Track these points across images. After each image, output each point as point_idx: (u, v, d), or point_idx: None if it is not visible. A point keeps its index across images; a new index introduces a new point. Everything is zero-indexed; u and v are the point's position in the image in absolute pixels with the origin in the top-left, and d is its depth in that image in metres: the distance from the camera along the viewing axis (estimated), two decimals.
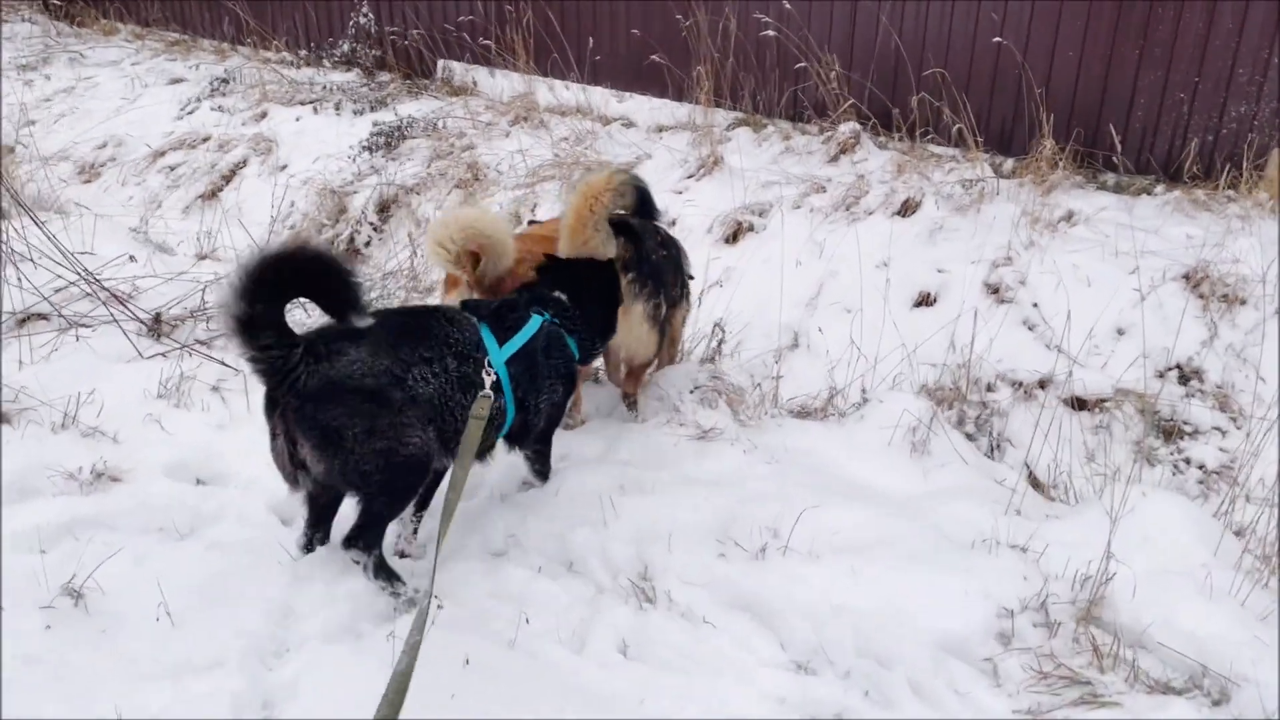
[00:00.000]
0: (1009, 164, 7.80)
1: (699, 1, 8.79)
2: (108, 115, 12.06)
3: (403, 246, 8.15)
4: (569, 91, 10.10)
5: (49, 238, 5.75)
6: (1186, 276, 6.14)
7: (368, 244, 9.03)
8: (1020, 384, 5.83)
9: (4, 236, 5.89)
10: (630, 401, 5.31)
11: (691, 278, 5.53)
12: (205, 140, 11.00)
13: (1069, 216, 6.87)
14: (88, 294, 5.75)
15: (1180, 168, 7.26)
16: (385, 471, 3.68)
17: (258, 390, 3.72)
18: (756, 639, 3.72)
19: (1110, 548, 3.86)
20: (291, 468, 3.73)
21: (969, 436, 5.56)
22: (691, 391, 5.30)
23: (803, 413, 5.43)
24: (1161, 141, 7.39)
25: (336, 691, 3.34)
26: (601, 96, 9.96)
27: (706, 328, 6.06)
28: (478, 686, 3.37)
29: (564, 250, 4.81)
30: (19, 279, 5.66)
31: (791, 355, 6.36)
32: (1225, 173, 7.06)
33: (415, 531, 4.30)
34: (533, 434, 4.44)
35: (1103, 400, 5.68)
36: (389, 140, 9.98)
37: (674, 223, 7.58)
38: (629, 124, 9.57)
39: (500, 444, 4.34)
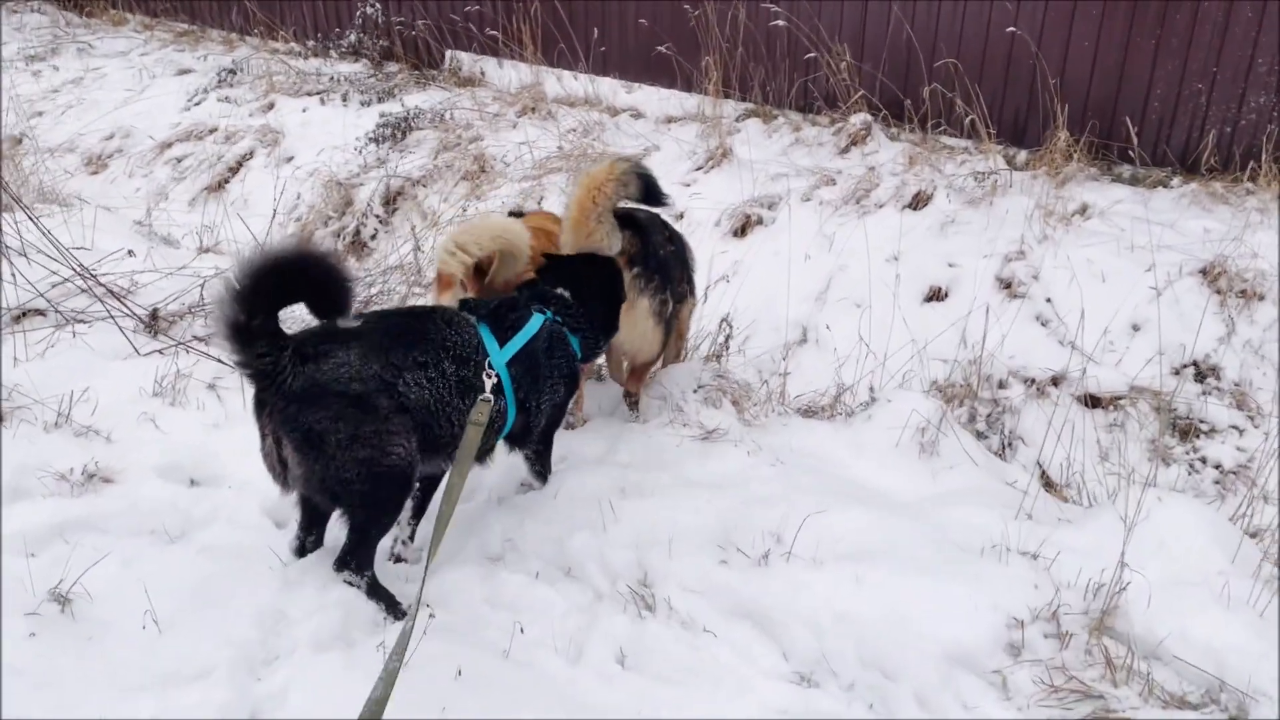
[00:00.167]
0: (1022, 156, 7.67)
1: None
2: (115, 106, 11.99)
3: (404, 240, 8.05)
4: (577, 82, 9.99)
5: (44, 233, 5.66)
6: (1204, 271, 6.00)
7: (373, 237, 8.93)
8: (1033, 381, 5.72)
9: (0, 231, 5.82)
10: (632, 401, 5.20)
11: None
12: (212, 132, 10.92)
13: (1083, 210, 6.74)
14: (83, 290, 5.66)
15: (1197, 160, 7.12)
16: (366, 482, 3.57)
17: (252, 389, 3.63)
18: (758, 649, 3.62)
19: (1124, 556, 3.73)
20: (281, 469, 3.64)
21: (980, 434, 5.45)
22: (695, 391, 5.19)
23: (810, 412, 5.33)
24: (1178, 133, 7.25)
25: (325, 703, 3.25)
26: (610, 87, 9.85)
27: (712, 324, 5.95)
28: (470, 699, 3.27)
29: (568, 245, 4.72)
30: (13, 275, 5.57)
31: (800, 351, 6.26)
32: (1244, 165, 6.92)
33: (411, 536, 4.21)
34: (534, 435, 4.35)
35: (1117, 398, 5.56)
36: (395, 132, 9.87)
37: (681, 215, 7.47)
38: (637, 115, 9.46)
39: (500, 445, 4.26)
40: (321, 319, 3.56)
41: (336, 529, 3.89)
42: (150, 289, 6.14)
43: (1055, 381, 5.70)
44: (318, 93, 11.12)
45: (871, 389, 5.43)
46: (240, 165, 10.34)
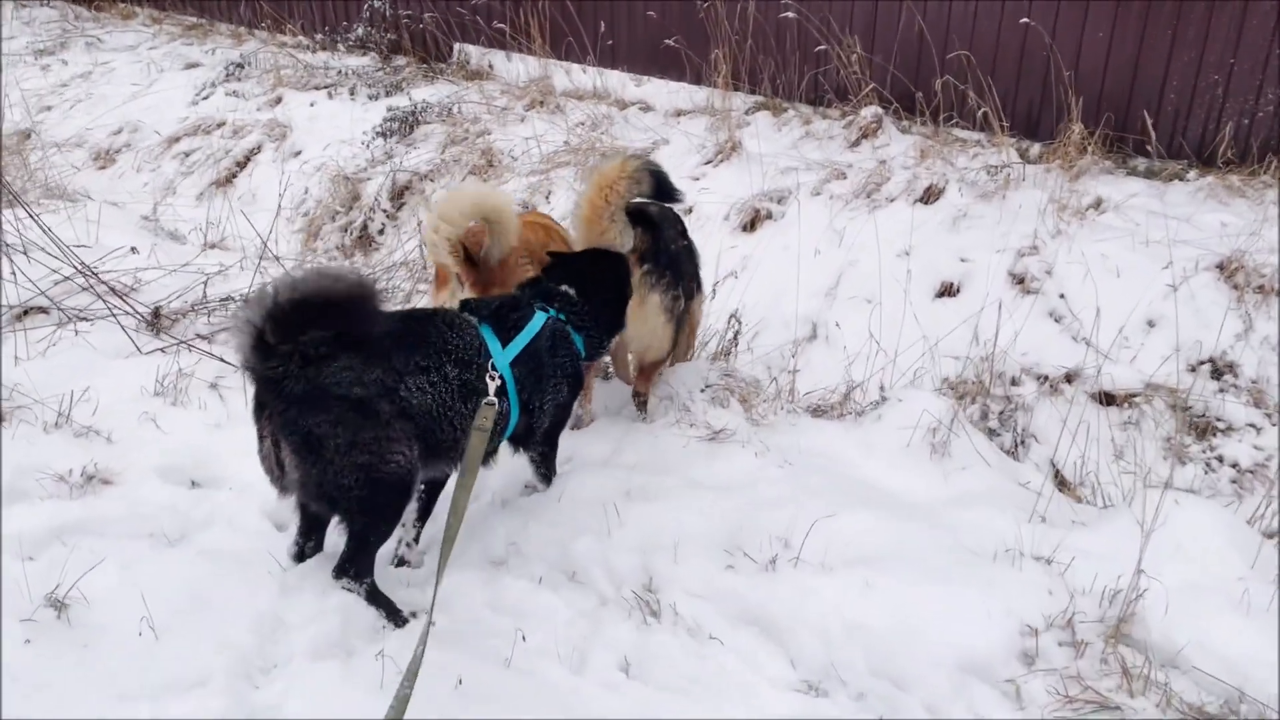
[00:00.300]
0: (1035, 149, 7.56)
1: None
2: (123, 101, 11.96)
3: (410, 236, 7.99)
4: (585, 75, 9.90)
5: (45, 230, 5.61)
6: (1220, 266, 5.89)
7: (381, 231, 8.88)
8: (1046, 378, 5.62)
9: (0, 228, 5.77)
10: (641, 401, 5.12)
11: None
12: (220, 126, 10.88)
13: (1098, 204, 6.63)
14: (84, 288, 5.60)
15: (1214, 153, 7.00)
16: (365, 488, 3.50)
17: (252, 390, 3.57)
18: (765, 657, 3.54)
19: (1142, 563, 3.65)
20: (279, 472, 3.57)
21: (992, 432, 5.36)
22: (702, 390, 5.12)
23: (819, 411, 5.24)
24: (1194, 125, 7.14)
25: (323, 714, 3.19)
26: (619, 80, 9.76)
27: (720, 321, 5.87)
28: (471, 710, 3.21)
29: (580, 243, 4.67)
30: (13, 273, 5.52)
31: (809, 347, 6.18)
32: (1262, 158, 6.81)
33: (416, 539, 4.15)
34: (538, 436, 4.29)
35: (1132, 395, 5.46)
36: (403, 126, 9.81)
37: (690, 209, 7.39)
38: (646, 108, 9.37)
39: (505, 446, 4.19)
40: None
41: (336, 534, 3.82)
42: (154, 286, 6.09)
43: (1069, 379, 5.60)
44: (325, 86, 11.07)
45: (882, 387, 5.34)
46: (248, 160, 10.30)
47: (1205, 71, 6.99)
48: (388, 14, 11.46)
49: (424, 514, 4.16)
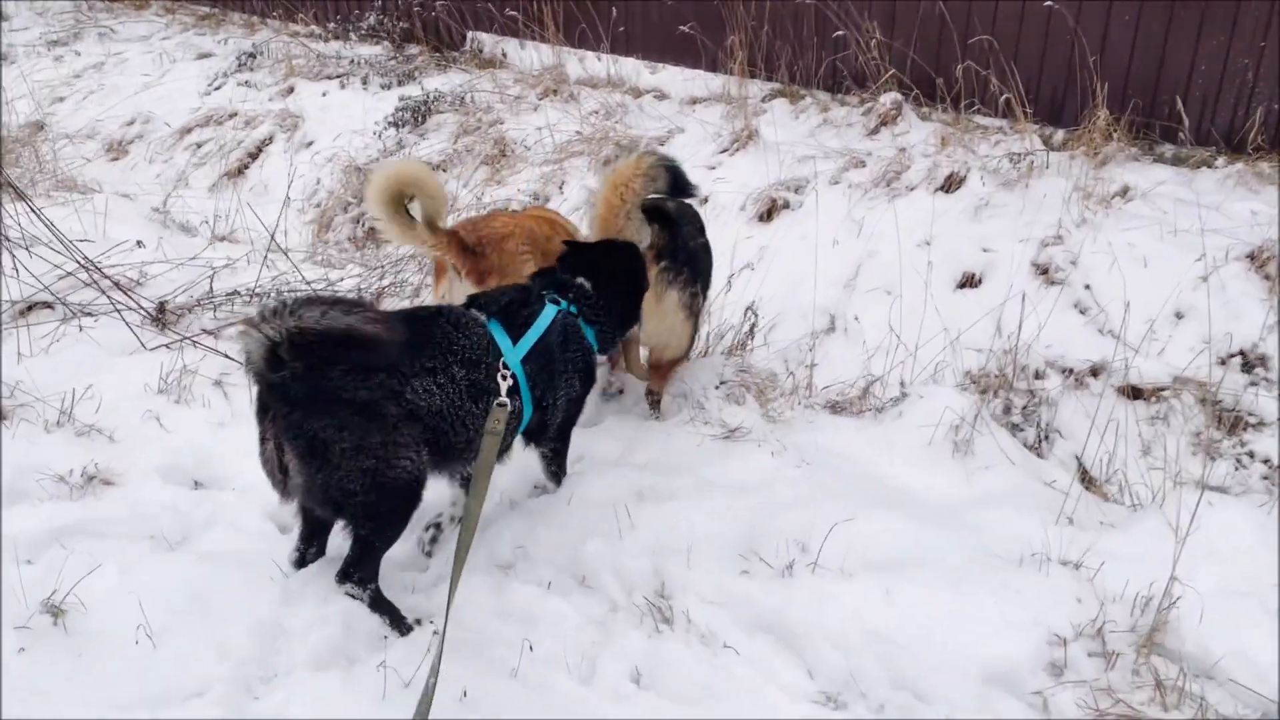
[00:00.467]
0: (1059, 135, 7.39)
1: None
2: (136, 91, 11.93)
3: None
4: (599, 63, 9.78)
5: (47, 225, 5.51)
6: (1251, 256, 5.73)
7: None
8: (1071, 371, 5.47)
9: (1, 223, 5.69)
10: (654, 400, 5.01)
11: None
12: (232, 116, 10.82)
13: (1124, 191, 6.47)
14: (87, 284, 5.51)
15: (1244, 139, 6.82)
16: (370, 493, 3.41)
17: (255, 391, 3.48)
18: (781, 666, 3.43)
19: (1175, 570, 3.50)
20: (281, 475, 3.49)
21: (1015, 427, 5.22)
22: (717, 387, 5.01)
23: (837, 407, 5.12)
24: (1223, 111, 6.96)
25: None
26: (633, 68, 9.64)
27: (736, 314, 5.75)
28: None
29: (595, 234, 4.59)
30: (15, 268, 5.44)
31: (827, 340, 6.04)
32: None
33: (441, 526, 4.07)
34: (550, 431, 4.19)
35: (1160, 389, 5.31)
36: (415, 116, 9.72)
37: (706, 200, 7.26)
38: (661, 96, 9.25)
39: (517, 440, 4.10)
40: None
41: (340, 538, 3.72)
42: (160, 280, 6.01)
43: (1095, 372, 5.45)
44: (337, 76, 11.00)
45: (902, 383, 5.21)
46: (260, 150, 10.24)
47: (1234, 56, 6.81)
48: (400, 2, 11.38)
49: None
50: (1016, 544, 3.85)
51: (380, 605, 3.60)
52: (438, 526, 4.12)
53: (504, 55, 10.69)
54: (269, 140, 10.29)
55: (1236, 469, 5.01)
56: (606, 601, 3.72)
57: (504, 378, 3.70)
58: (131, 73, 12.53)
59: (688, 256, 4.77)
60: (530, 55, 10.31)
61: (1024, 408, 5.34)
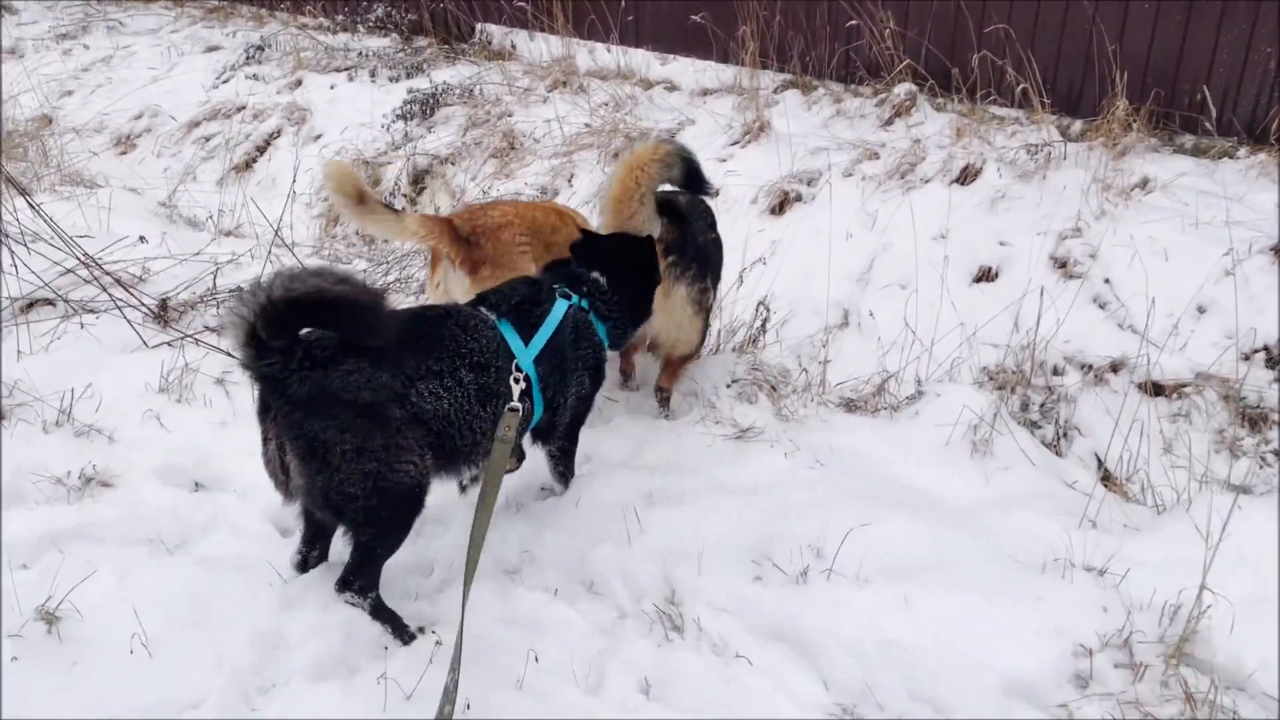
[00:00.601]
0: (1077, 126, 7.26)
1: None
2: (144, 84, 11.89)
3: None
4: (609, 54, 9.69)
5: (46, 220, 5.42)
6: (1275, 249, 5.60)
7: None
8: (1090, 367, 5.36)
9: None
10: (664, 397, 4.91)
11: None
12: (240, 110, 10.78)
13: (1144, 183, 6.35)
14: (87, 281, 5.43)
15: (1266, 129, 6.68)
16: (371, 497, 3.31)
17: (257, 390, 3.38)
18: (795, 676, 3.31)
19: (1206, 579, 3.37)
20: (283, 476, 3.40)
21: (1033, 424, 5.13)
22: (729, 385, 4.90)
23: (851, 405, 5.01)
24: (1245, 100, 6.81)
25: None
26: (643, 59, 9.55)
27: (748, 310, 5.64)
28: None
29: (606, 225, 4.50)
30: (14, 265, 5.35)
31: (841, 335, 5.94)
32: None
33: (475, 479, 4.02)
34: (560, 430, 4.09)
35: (1182, 385, 5.19)
36: (423, 108, 9.64)
37: (717, 193, 7.15)
38: (672, 87, 9.15)
39: (524, 440, 4.05)
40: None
41: (339, 541, 3.63)
42: (163, 276, 5.93)
43: (1115, 368, 5.35)
44: (345, 69, 10.95)
45: (919, 381, 5.09)
46: (267, 144, 10.19)
47: (1257, 44, 6.67)
48: None
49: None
50: (1038, 548, 3.73)
51: (381, 614, 3.50)
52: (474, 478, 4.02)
53: (513, 47, 10.61)
54: (277, 134, 10.24)
55: (1261, 467, 4.89)
56: (615, 608, 3.62)
57: (516, 381, 3.61)
58: (139, 66, 12.53)
59: (697, 252, 4.70)
60: (539, 47, 10.24)
61: (1042, 404, 5.25)
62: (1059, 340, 5.41)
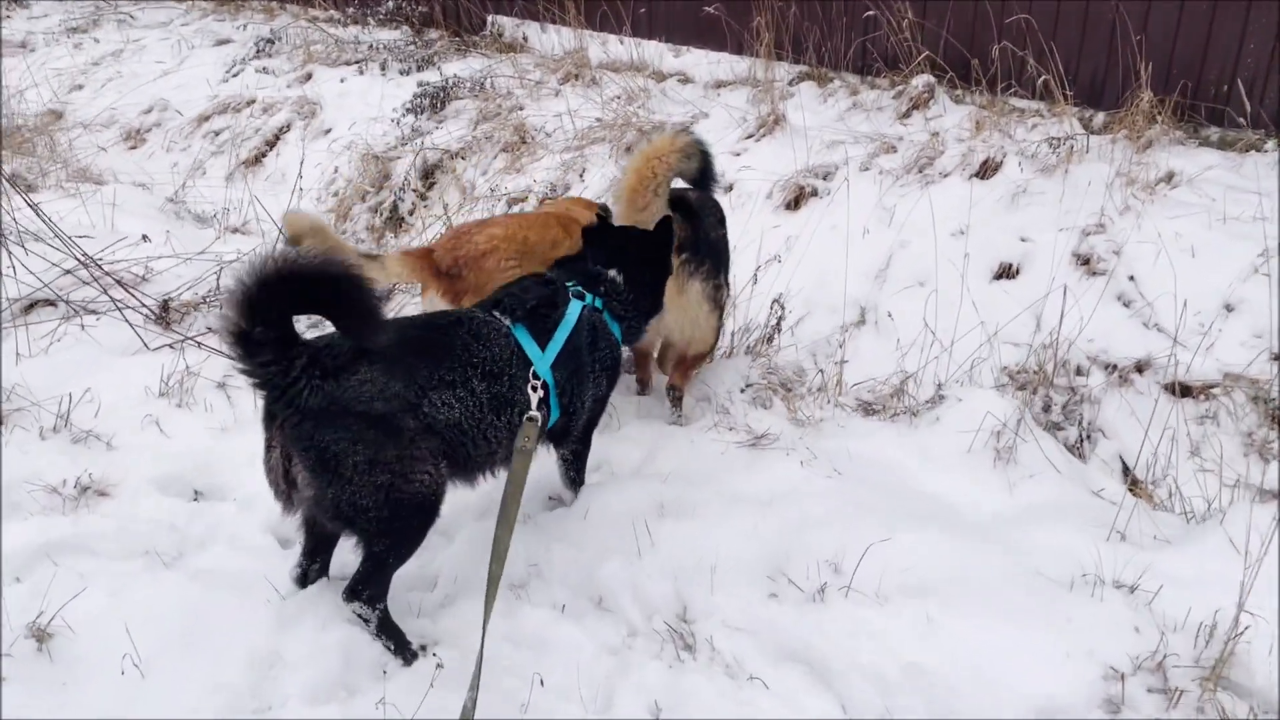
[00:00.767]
0: (1100, 118, 7.12)
1: None
2: (154, 78, 11.83)
3: (437, 219, 7.67)
4: (622, 46, 9.58)
5: (45, 220, 5.31)
6: None
7: (411, 212, 8.58)
8: (1114, 367, 5.22)
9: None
10: (676, 397, 4.78)
11: None
12: (250, 104, 10.68)
13: (1169, 177, 6.20)
14: (86, 282, 5.32)
15: None
16: (384, 509, 3.21)
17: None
18: (811, 700, 3.18)
19: (1243, 598, 3.22)
20: (285, 486, 3.29)
21: (1055, 426, 4.99)
22: (743, 390, 4.76)
23: (869, 408, 4.87)
24: (1273, 91, 6.65)
25: None
26: (656, 51, 9.45)
27: (761, 311, 5.51)
28: None
29: (621, 215, 4.45)
30: (12, 266, 5.25)
31: (858, 334, 5.83)
32: None
33: None
34: (575, 433, 3.99)
35: (1209, 386, 5.05)
36: (433, 102, 9.52)
37: (731, 188, 7.04)
38: (685, 80, 9.04)
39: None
40: (350, 338, 3.20)
41: (342, 556, 3.52)
42: (166, 276, 5.82)
43: (1140, 368, 5.21)
44: (356, 62, 10.86)
45: (939, 384, 4.95)
46: (277, 138, 10.11)
47: None
48: None
49: None
50: (1066, 564, 3.57)
51: (387, 628, 3.40)
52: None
53: (525, 39, 10.52)
54: (286, 128, 10.15)
55: None
56: (624, 626, 3.49)
57: (534, 388, 3.51)
58: (150, 60, 12.45)
59: (710, 248, 4.63)
60: (551, 39, 10.16)
61: (1065, 405, 5.12)
62: (1082, 339, 5.28)
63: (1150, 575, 3.48)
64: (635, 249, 4.13)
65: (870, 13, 7.93)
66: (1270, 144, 6.54)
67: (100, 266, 5.28)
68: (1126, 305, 5.50)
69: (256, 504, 4.01)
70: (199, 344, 5.06)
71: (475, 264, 4.42)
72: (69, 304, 5.31)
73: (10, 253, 5.29)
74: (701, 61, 9.12)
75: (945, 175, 6.65)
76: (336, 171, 9.23)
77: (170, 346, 5.09)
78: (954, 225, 6.18)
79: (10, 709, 3.06)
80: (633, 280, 4.06)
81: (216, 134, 10.38)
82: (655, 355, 5.06)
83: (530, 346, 3.58)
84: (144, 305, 5.29)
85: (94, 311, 5.30)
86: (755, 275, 6.04)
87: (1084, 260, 5.77)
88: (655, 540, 3.74)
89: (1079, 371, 5.26)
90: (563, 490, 4.18)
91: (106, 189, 7.32)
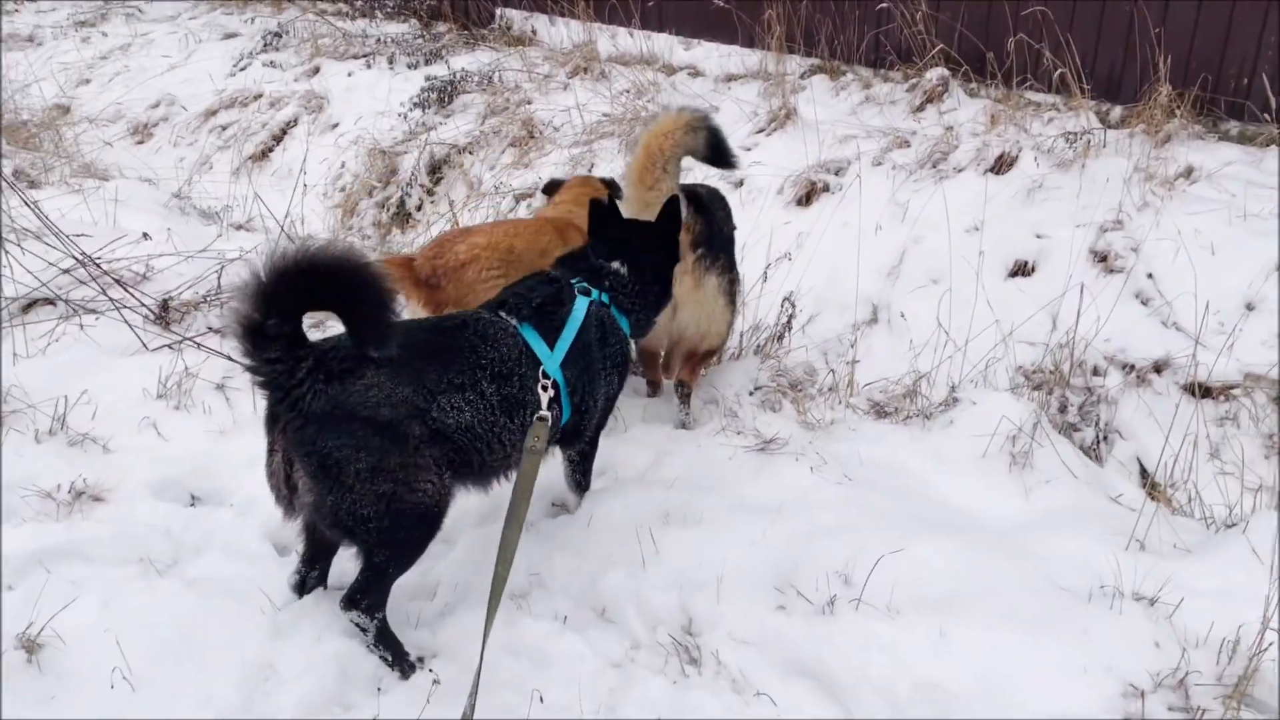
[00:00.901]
0: (1117, 112, 7.01)
1: None
2: (162, 72, 11.79)
3: (442, 216, 7.60)
4: (632, 39, 9.50)
5: (42, 219, 5.23)
6: None
7: (419, 207, 8.52)
8: (1132, 368, 5.13)
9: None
10: (685, 393, 4.68)
11: None
12: (257, 98, 10.66)
13: (1188, 172, 6.09)
14: (82, 282, 5.23)
15: None
16: (385, 518, 3.12)
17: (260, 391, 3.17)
18: (820, 715, 3.08)
19: (1269, 612, 3.11)
20: (286, 491, 3.21)
21: (1071, 427, 4.90)
22: (751, 393, 4.66)
23: (881, 410, 4.77)
24: None
25: None
26: (666, 44, 9.38)
27: (771, 311, 5.41)
28: None
29: (631, 197, 4.39)
30: (9, 264, 5.17)
31: (870, 333, 5.75)
32: None
33: None
34: (587, 433, 3.90)
35: (1229, 387, 4.96)
36: (441, 96, 9.45)
37: (741, 183, 6.95)
38: (695, 73, 8.97)
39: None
40: (355, 342, 3.10)
41: (339, 563, 3.44)
42: (168, 274, 5.72)
43: (1158, 368, 5.12)
44: (363, 55, 10.82)
45: (952, 387, 4.85)
46: (284, 133, 10.07)
47: None
48: None
49: None
50: (1083, 574, 3.46)
51: (385, 639, 3.30)
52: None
53: (534, 32, 10.44)
54: (293, 122, 10.13)
55: None
56: (627, 638, 3.39)
57: (544, 388, 3.42)
58: (158, 54, 12.41)
59: (724, 243, 4.60)
60: (560, 32, 10.10)
61: (1081, 406, 5.04)
62: (1099, 339, 5.20)
63: (1171, 587, 3.37)
64: (640, 239, 4.02)
65: (884, 5, 7.84)
66: None
67: (98, 265, 5.20)
68: (1145, 303, 5.41)
69: (254, 509, 3.93)
70: (198, 345, 4.97)
71: (455, 275, 4.34)
72: (68, 303, 5.22)
73: (7, 252, 5.20)
74: (712, 54, 9.04)
75: (959, 170, 6.57)
76: (344, 167, 9.19)
77: (169, 347, 5.00)
78: (968, 221, 6.09)
79: None
80: (639, 272, 3.96)
81: (223, 129, 10.34)
82: (663, 356, 4.97)
83: (539, 345, 3.49)
84: (143, 305, 5.20)
85: (93, 311, 5.22)
86: (765, 273, 5.95)
87: (1101, 257, 5.68)
88: (660, 549, 3.64)
89: (1096, 372, 5.17)
90: (567, 494, 4.08)
91: (110, 185, 7.23)
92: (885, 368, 5.28)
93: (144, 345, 5.02)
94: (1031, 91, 7.33)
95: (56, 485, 4.05)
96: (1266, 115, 6.48)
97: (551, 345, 3.52)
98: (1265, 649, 3.05)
